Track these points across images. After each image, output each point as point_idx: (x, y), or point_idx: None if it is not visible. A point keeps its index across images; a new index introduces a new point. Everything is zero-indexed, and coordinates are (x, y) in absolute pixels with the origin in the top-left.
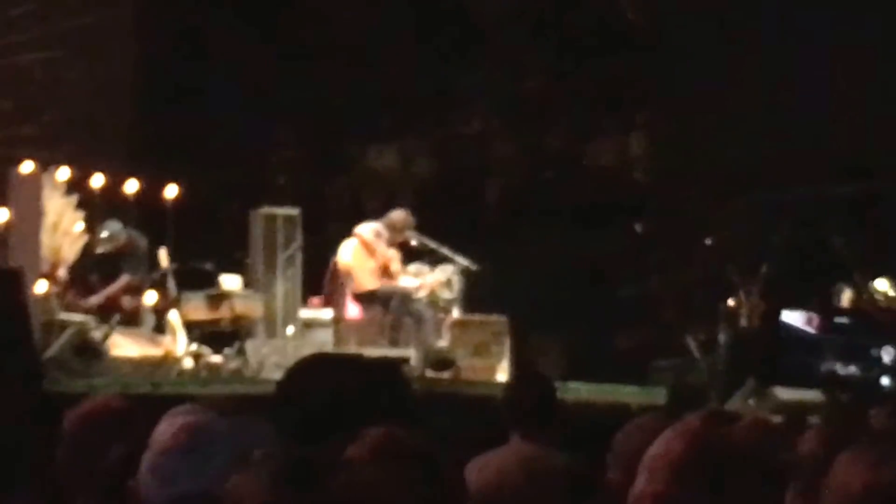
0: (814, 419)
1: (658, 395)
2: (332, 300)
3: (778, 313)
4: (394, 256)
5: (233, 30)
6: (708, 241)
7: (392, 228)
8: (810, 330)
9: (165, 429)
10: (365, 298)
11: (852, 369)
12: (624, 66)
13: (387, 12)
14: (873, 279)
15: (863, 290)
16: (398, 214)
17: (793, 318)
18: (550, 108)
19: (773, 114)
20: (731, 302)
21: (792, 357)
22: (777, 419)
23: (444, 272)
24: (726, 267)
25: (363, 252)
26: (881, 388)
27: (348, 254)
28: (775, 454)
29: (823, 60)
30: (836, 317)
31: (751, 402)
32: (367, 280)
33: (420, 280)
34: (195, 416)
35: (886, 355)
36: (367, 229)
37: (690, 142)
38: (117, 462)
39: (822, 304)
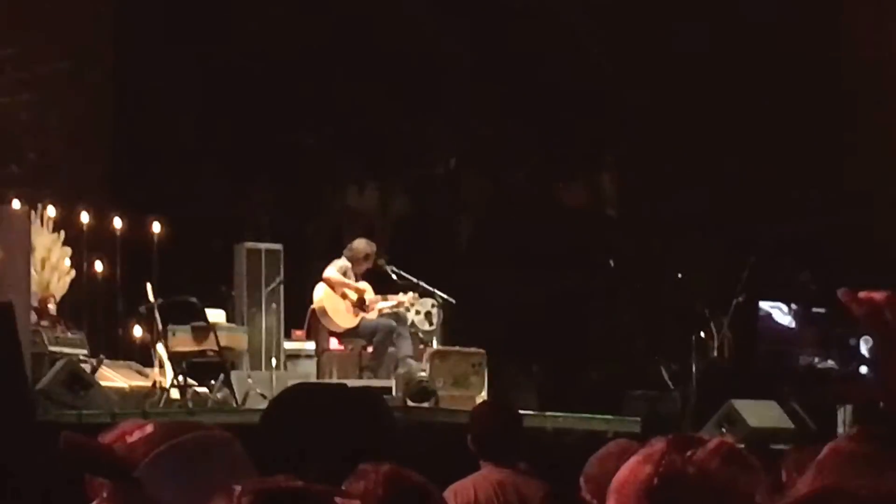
0: (781, 445)
1: (633, 425)
2: (315, 333)
3: (756, 305)
4: (366, 287)
5: (213, 72)
6: (679, 276)
7: (355, 259)
8: (788, 321)
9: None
10: (345, 335)
11: (830, 363)
12: (593, 106)
13: (363, 59)
14: None
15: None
16: (358, 243)
17: (771, 308)
18: (522, 148)
19: (739, 150)
20: (702, 334)
21: (770, 349)
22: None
23: (423, 306)
24: (696, 301)
25: (333, 294)
26: (861, 378)
27: (320, 298)
28: (740, 478)
29: (785, 99)
30: (813, 307)
31: (723, 429)
32: (343, 319)
33: (393, 302)
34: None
35: (865, 345)
36: (331, 270)
37: (659, 179)
38: None
39: (799, 292)
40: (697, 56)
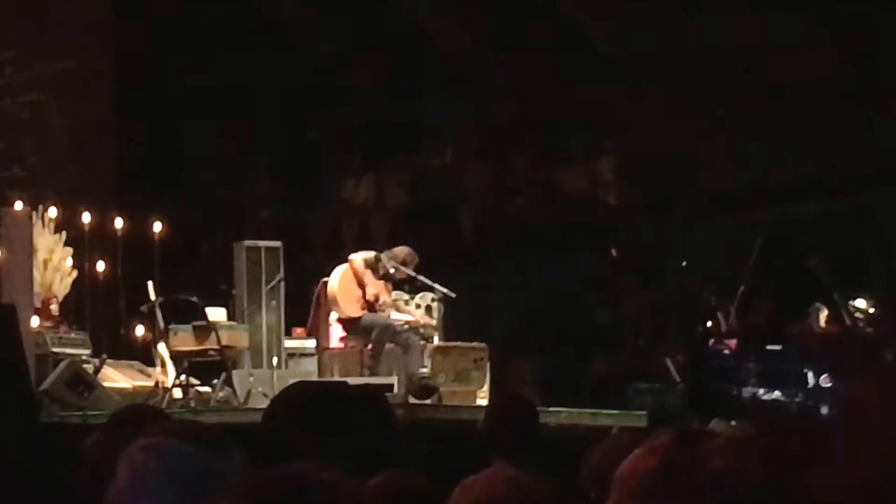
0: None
1: (639, 419)
2: (316, 328)
3: (705, 342)
4: (382, 288)
5: (209, 67)
6: (683, 264)
7: (394, 262)
8: (730, 353)
9: (140, 459)
10: (347, 325)
11: (776, 394)
12: (592, 92)
13: (359, 49)
14: (851, 298)
15: (841, 309)
16: (401, 250)
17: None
18: (521, 136)
19: (744, 133)
20: (708, 324)
21: (717, 385)
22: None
23: (423, 300)
24: (703, 289)
25: (351, 279)
26: (811, 411)
27: (336, 278)
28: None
29: (791, 81)
30: (766, 343)
31: (732, 423)
32: (351, 307)
33: (407, 317)
34: (170, 445)
35: (812, 379)
36: (358, 257)
37: (662, 165)
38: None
39: (748, 329)
40: (698, 37)
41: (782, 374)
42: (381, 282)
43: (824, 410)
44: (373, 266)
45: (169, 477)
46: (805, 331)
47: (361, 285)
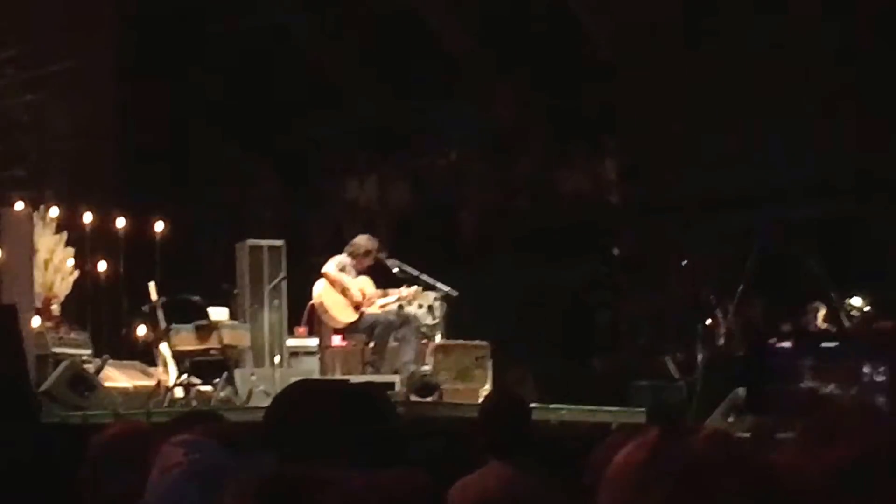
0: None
1: (639, 416)
2: (317, 329)
3: (763, 342)
4: (365, 283)
5: (212, 67)
6: (683, 263)
7: (356, 255)
8: (788, 347)
9: (169, 453)
10: (348, 330)
11: (831, 387)
12: (594, 93)
13: (362, 48)
14: (848, 296)
15: (838, 307)
16: (359, 239)
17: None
18: (523, 137)
19: (744, 133)
20: (708, 322)
21: (776, 383)
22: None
23: (425, 299)
24: (702, 288)
25: (332, 289)
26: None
27: (319, 293)
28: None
29: (786, 83)
30: (823, 341)
31: (730, 419)
32: (343, 314)
33: (393, 298)
34: (198, 441)
35: (868, 372)
36: (330, 266)
37: (662, 165)
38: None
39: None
40: (698, 34)
41: (838, 370)
42: (360, 277)
43: (880, 401)
44: (344, 268)
45: (194, 473)
46: (863, 327)
47: (343, 291)
